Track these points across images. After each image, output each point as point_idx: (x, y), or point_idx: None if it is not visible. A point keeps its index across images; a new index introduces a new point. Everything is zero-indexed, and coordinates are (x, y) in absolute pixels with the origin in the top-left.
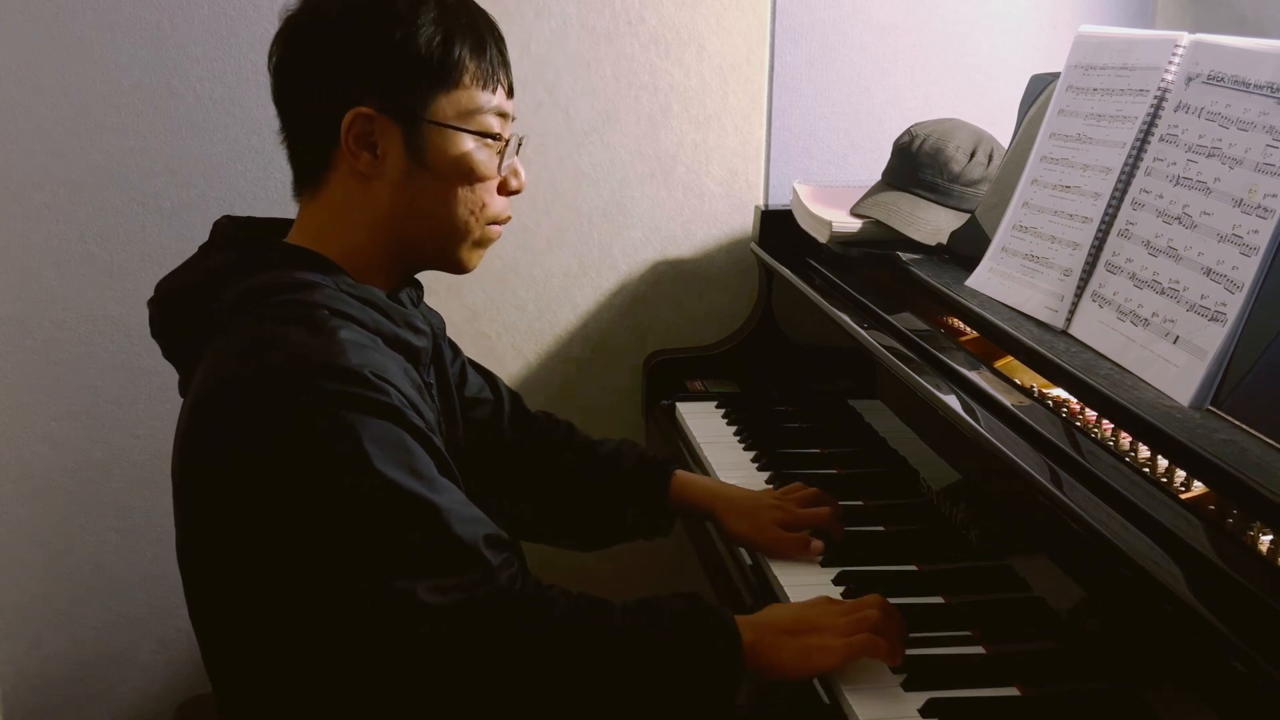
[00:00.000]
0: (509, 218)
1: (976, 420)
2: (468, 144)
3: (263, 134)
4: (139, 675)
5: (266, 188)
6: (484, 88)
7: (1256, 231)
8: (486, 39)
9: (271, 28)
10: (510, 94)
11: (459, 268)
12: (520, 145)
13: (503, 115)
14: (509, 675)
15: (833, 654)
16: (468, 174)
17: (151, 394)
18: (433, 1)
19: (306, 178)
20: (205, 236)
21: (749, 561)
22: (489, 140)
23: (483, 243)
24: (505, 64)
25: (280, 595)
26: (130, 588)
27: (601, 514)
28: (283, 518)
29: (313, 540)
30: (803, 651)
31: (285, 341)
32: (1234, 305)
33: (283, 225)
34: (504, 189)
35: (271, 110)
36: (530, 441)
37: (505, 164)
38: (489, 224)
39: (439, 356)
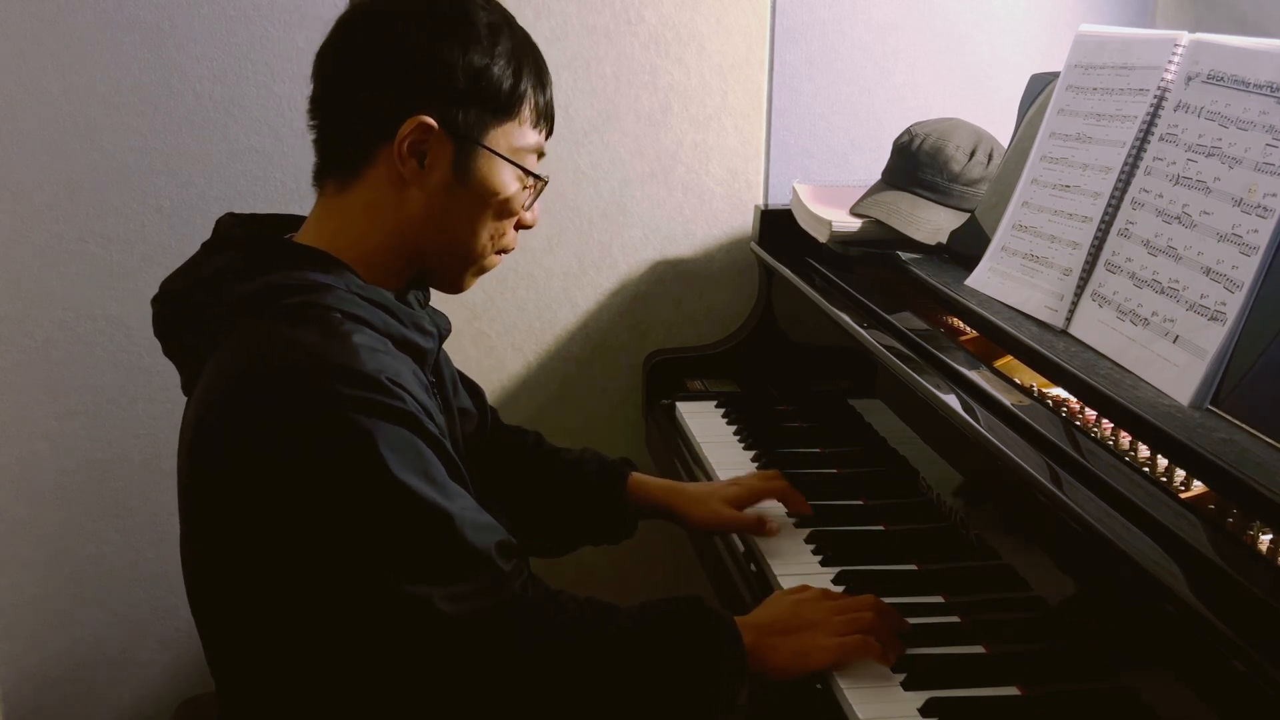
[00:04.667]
0: (513, 249)
1: (976, 420)
2: (510, 177)
3: (262, 134)
4: (139, 675)
5: (266, 187)
6: (534, 126)
7: (1256, 231)
8: (547, 80)
9: (271, 28)
10: (550, 135)
11: (454, 287)
12: (545, 186)
13: (541, 155)
14: (519, 682)
15: (826, 653)
16: (502, 204)
17: (151, 394)
18: (506, 31)
19: (338, 168)
20: (205, 236)
21: (754, 570)
22: (529, 178)
23: (485, 269)
24: (553, 107)
25: (288, 597)
26: (130, 587)
27: (566, 518)
28: (294, 521)
29: (325, 544)
30: (798, 652)
31: (299, 344)
32: (1234, 305)
33: (286, 222)
34: (519, 223)
35: (273, 110)
36: (505, 452)
37: (532, 202)
38: (497, 252)
39: (439, 360)
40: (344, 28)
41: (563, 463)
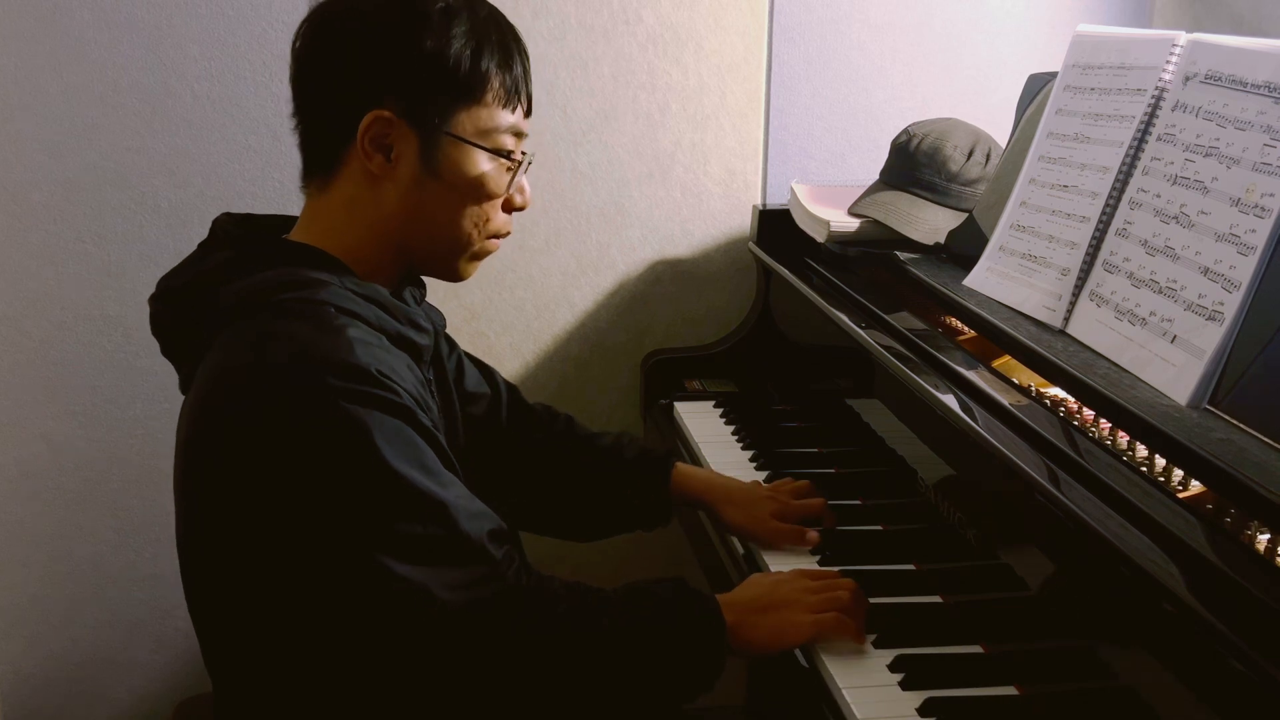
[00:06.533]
0: (509, 233)
1: (974, 419)
2: (481, 161)
3: (260, 134)
4: (137, 675)
5: (264, 187)
6: (504, 106)
7: (1254, 231)
8: (514, 57)
9: (269, 27)
10: (529, 113)
11: (453, 276)
12: (529, 164)
13: (518, 134)
14: (513, 668)
15: (803, 630)
16: (477, 189)
17: (150, 394)
18: (465, 14)
19: (317, 168)
20: (203, 236)
21: (742, 551)
22: (502, 159)
23: (480, 255)
24: (528, 84)
25: (285, 592)
26: (128, 587)
27: (603, 505)
28: (290, 514)
29: (322, 536)
30: (776, 628)
31: (293, 338)
32: (1232, 304)
33: (282, 222)
34: (508, 205)
35: (270, 110)
36: (530, 434)
37: (514, 182)
38: (489, 238)
39: (438, 354)
40: (304, 30)
41: (600, 448)
